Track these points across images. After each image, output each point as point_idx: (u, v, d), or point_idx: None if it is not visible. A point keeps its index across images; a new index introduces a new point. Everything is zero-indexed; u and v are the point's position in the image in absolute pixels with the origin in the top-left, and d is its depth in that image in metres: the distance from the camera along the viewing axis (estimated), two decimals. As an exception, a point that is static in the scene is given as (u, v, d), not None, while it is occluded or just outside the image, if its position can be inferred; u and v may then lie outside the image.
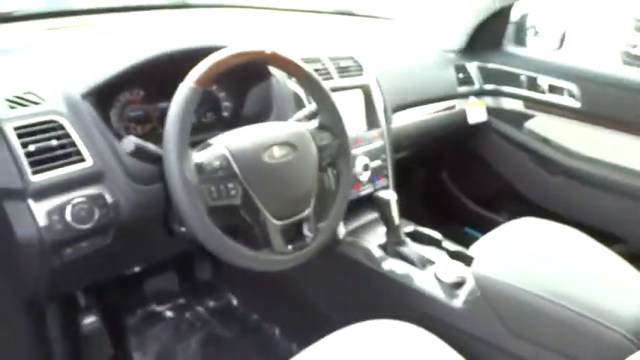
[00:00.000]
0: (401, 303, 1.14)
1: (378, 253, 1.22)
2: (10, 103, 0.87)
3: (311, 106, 1.09)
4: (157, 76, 1.01)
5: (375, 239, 1.26)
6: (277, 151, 0.89)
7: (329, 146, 0.99)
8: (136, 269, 1.23)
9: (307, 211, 0.93)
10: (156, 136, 1.01)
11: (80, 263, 0.92)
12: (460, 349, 0.98)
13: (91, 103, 0.91)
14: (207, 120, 1.18)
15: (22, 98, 0.89)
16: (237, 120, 1.20)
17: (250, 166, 0.86)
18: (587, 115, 1.63)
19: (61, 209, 0.84)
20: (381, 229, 1.28)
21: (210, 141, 0.88)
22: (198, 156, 0.83)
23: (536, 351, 0.95)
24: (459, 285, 1.09)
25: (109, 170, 0.90)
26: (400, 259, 1.19)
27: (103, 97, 0.95)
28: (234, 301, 1.61)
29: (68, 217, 0.85)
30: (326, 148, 0.98)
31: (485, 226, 1.54)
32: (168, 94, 1.07)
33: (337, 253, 1.27)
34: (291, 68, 0.95)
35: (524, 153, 1.78)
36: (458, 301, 1.05)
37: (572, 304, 0.91)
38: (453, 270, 1.11)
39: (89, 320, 1.23)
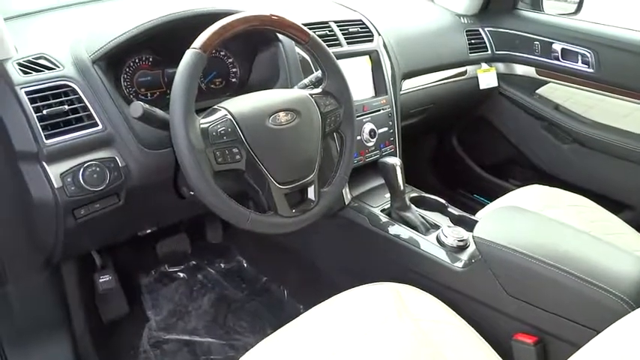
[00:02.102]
0: (403, 266, 1.17)
1: (382, 217, 1.24)
2: (23, 68, 0.90)
3: (317, 73, 1.09)
4: (165, 41, 1.02)
5: (379, 204, 1.29)
6: (281, 117, 0.91)
7: (333, 112, 1.00)
8: (149, 231, 1.27)
9: (311, 176, 0.95)
10: (165, 102, 1.03)
11: (94, 224, 0.97)
12: (460, 311, 1.02)
13: (101, 68, 0.93)
14: (216, 86, 1.20)
15: (34, 63, 0.92)
16: (245, 86, 1.22)
17: (254, 131, 0.87)
18: (600, 81, 1.60)
19: (74, 172, 0.88)
20: (387, 195, 1.30)
21: (216, 106, 0.90)
22: (204, 121, 0.85)
23: (534, 313, 0.97)
24: (461, 249, 1.12)
25: (120, 135, 0.93)
26: (404, 224, 1.21)
27: (113, 62, 0.97)
28: (245, 264, 1.66)
29: (81, 179, 0.88)
30: (330, 114, 0.99)
31: (494, 193, 1.55)
32: (177, 59, 1.09)
33: (342, 217, 1.29)
34: (296, 34, 0.96)
35: (534, 120, 1.77)
36: (459, 264, 1.08)
37: (572, 268, 0.93)
38: (455, 234, 1.13)
39: (104, 279, 1.29)
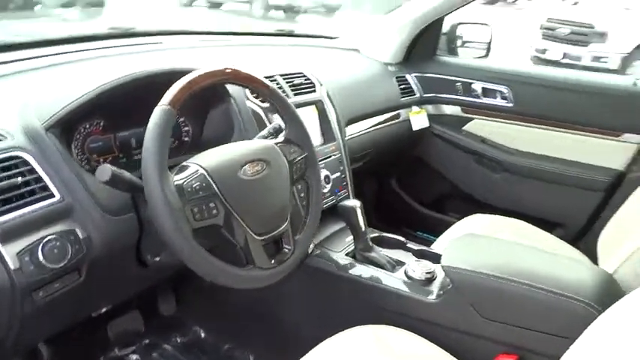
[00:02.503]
0: (376, 307, 1.18)
1: (347, 261, 1.25)
2: None
3: (274, 124, 1.12)
4: (116, 105, 1.00)
5: (343, 248, 1.30)
6: (252, 168, 0.91)
7: (298, 159, 1.02)
8: (103, 310, 1.18)
9: (284, 225, 0.95)
10: (119, 166, 1.00)
11: (52, 307, 0.88)
12: (439, 343, 1.03)
13: (55, 135, 0.89)
14: (169, 146, 1.18)
15: None
16: (199, 144, 1.21)
17: (228, 183, 0.87)
18: (518, 113, 1.77)
19: (32, 249, 0.81)
20: (348, 238, 1.32)
21: (185, 163, 0.88)
22: (177, 178, 0.83)
23: (510, 332, 1.01)
24: (429, 281, 1.15)
25: (79, 203, 0.88)
26: (370, 264, 1.22)
27: (66, 128, 0.93)
28: (203, 334, 1.57)
29: (40, 256, 0.81)
30: (295, 161, 1.01)
31: (437, 229, 1.62)
32: (128, 122, 1.07)
33: (307, 266, 1.28)
34: (258, 86, 0.98)
35: (465, 154, 1.90)
36: (432, 296, 1.11)
37: (539, 282, 0.99)
38: (422, 267, 1.17)
39: None
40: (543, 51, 6.70)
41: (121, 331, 1.42)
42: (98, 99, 0.93)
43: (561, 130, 1.71)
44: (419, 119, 1.88)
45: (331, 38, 2.04)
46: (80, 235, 0.87)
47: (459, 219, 1.56)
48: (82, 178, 0.89)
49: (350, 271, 1.22)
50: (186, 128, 1.20)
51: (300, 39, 1.99)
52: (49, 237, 0.83)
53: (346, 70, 1.75)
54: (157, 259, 1.00)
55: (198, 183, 0.84)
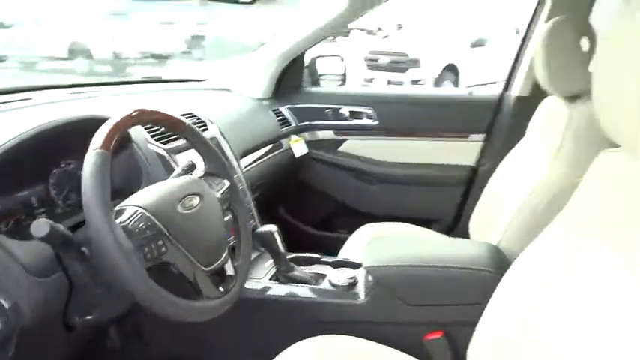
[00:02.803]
0: (311, 321, 1.23)
1: (273, 284, 1.29)
2: None
3: (187, 162, 1.13)
4: (9, 167, 0.94)
5: (265, 273, 1.33)
6: (188, 202, 0.92)
7: (223, 190, 1.05)
8: None
9: (225, 254, 0.97)
10: (22, 229, 0.92)
11: None
12: (373, 338, 1.13)
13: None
14: (72, 201, 1.11)
15: None
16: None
17: (171, 219, 0.87)
18: (384, 130, 2.01)
19: None
20: (266, 263, 1.36)
21: (119, 207, 0.86)
22: (121, 220, 0.81)
23: (432, 311, 1.16)
24: (353, 285, 1.25)
25: (3, 268, 0.80)
26: (295, 283, 1.28)
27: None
28: None
29: None
30: (222, 192, 1.04)
31: (330, 247, 1.74)
32: (24, 183, 1.00)
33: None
34: (177, 123, 1.00)
35: (344, 173, 2.07)
36: (360, 298, 1.20)
37: (447, 263, 1.15)
38: (344, 274, 1.26)
39: None
40: (371, 79, 7.52)
41: None
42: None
43: (421, 138, 1.98)
44: (298, 147, 2.00)
45: (199, 80, 2.08)
46: (6, 305, 0.79)
47: (349, 234, 1.71)
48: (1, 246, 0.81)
49: (279, 293, 1.26)
50: None
51: (170, 84, 2.00)
52: None
53: (226, 108, 1.81)
54: (89, 317, 0.93)
55: (142, 223, 0.83)
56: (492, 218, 1.49)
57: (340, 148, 2.07)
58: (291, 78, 2.07)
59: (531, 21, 1.81)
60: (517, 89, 1.82)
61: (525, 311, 0.87)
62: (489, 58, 7.96)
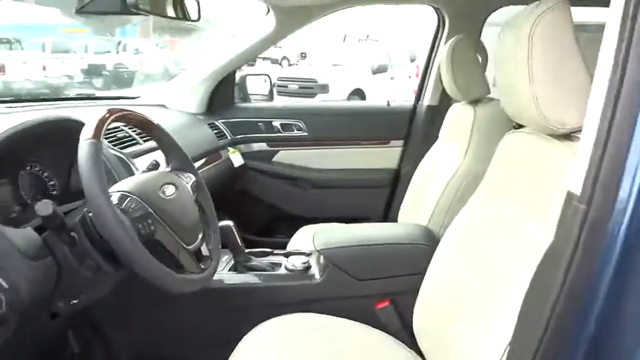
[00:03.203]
0: (272, 305, 1.33)
1: (234, 274, 1.39)
2: None
3: (151, 161, 1.22)
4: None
5: (224, 267, 1.42)
6: (167, 189, 1.02)
7: (190, 184, 1.15)
8: None
9: (201, 236, 1.07)
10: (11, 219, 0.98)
11: None
12: (330, 313, 1.28)
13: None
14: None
15: None
16: (69, 195, 1.20)
17: (156, 203, 0.96)
18: (314, 140, 2.19)
19: None
20: (224, 257, 1.45)
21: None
22: (114, 203, 0.89)
23: (380, 284, 1.33)
24: (307, 269, 1.39)
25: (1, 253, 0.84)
26: (253, 272, 1.39)
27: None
28: None
29: None
30: (190, 185, 1.14)
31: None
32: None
33: (196, 292, 1.36)
34: (148, 122, 1.09)
35: (280, 181, 2.21)
36: (316, 278, 1.35)
37: (388, 240, 1.34)
38: (298, 259, 1.40)
39: None
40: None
41: None
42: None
43: (347, 146, 2.18)
44: (236, 158, 2.12)
45: (133, 98, 2.13)
46: (6, 286, 0.83)
47: (288, 238, 1.85)
48: None
49: (239, 281, 1.36)
50: (51, 182, 1.18)
51: (104, 101, 2.03)
52: None
53: (165, 121, 1.87)
54: (74, 301, 0.98)
55: (133, 204, 0.91)
56: (418, 208, 1.71)
57: (274, 159, 2.21)
58: (224, 94, 2.19)
59: (433, 42, 2.11)
60: (427, 99, 2.10)
61: (455, 273, 1.07)
62: (390, 82, 8.63)
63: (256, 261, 1.41)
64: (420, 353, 1.17)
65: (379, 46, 9.78)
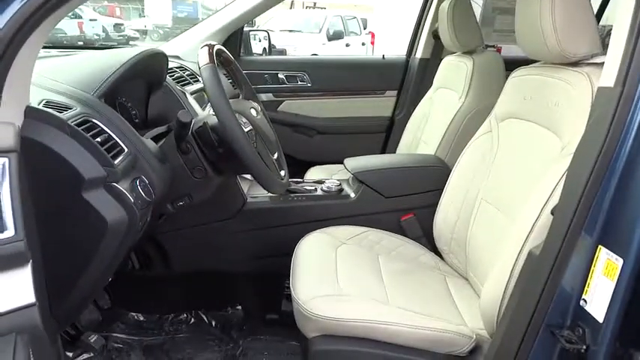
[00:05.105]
0: (313, 221, 1.56)
1: (279, 196, 1.61)
2: (48, 108, 0.89)
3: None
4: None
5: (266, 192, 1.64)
6: (252, 112, 1.23)
7: (259, 109, 1.35)
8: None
9: (276, 154, 1.30)
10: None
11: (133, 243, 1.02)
12: (363, 225, 1.53)
13: (106, 101, 1.01)
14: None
15: (54, 104, 0.92)
16: (146, 123, 1.38)
17: (253, 121, 1.18)
18: (316, 90, 2.40)
19: (133, 187, 0.96)
20: None
21: (203, 123, 1.15)
22: None
23: (404, 199, 1.59)
24: (341, 191, 1.64)
25: (141, 154, 1.03)
26: (295, 194, 1.62)
27: (108, 97, 1.05)
28: (141, 317, 1.64)
29: (141, 192, 0.96)
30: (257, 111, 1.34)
31: None
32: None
33: (247, 210, 1.57)
34: (228, 59, 1.30)
35: (285, 128, 2.41)
36: (351, 197, 1.60)
37: (409, 164, 1.62)
38: (333, 183, 1.64)
39: None
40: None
41: (86, 320, 1.40)
42: (128, 73, 1.08)
43: (347, 96, 2.42)
44: (246, 106, 2.30)
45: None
46: (146, 181, 1.02)
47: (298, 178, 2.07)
48: (136, 133, 1.04)
49: (284, 203, 1.59)
50: (133, 112, 1.35)
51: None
52: (136, 177, 0.99)
53: None
54: (182, 203, 1.19)
55: (242, 119, 1.12)
56: (418, 145, 2.00)
57: (280, 108, 2.41)
58: (231, 48, 2.34)
59: (425, 2, 2.36)
60: (420, 53, 2.36)
61: (469, 187, 1.33)
62: (345, 49, 8.86)
63: (294, 186, 1.64)
64: (438, 254, 1.45)
65: (332, 13, 9.92)
